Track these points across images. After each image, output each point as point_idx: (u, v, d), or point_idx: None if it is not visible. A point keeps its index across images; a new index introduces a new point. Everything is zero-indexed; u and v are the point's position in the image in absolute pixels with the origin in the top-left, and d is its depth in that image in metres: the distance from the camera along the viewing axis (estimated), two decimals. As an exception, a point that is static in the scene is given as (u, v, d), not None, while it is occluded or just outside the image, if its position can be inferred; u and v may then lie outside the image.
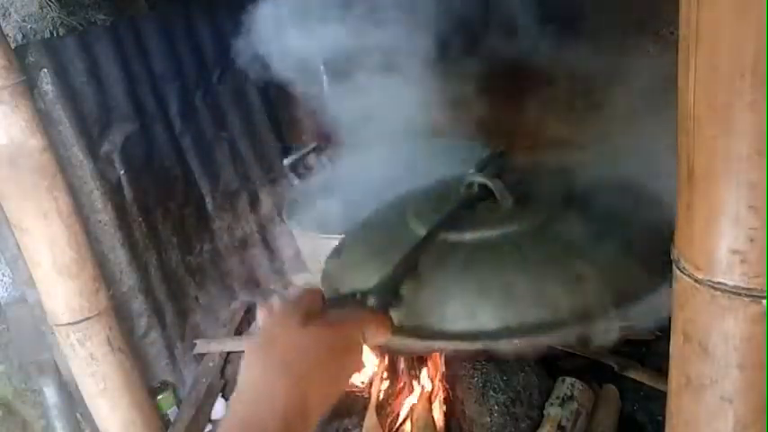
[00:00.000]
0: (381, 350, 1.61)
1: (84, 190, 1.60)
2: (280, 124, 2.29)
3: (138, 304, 1.76)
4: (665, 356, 0.69)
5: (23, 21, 1.48)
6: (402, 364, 1.62)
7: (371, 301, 0.64)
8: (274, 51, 1.40)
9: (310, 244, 1.37)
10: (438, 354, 1.55)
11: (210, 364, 1.93)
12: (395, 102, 1.43)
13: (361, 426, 1.54)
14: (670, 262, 0.62)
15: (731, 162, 0.52)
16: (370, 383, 1.65)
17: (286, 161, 1.53)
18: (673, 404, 0.69)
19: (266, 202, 2.31)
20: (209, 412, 1.81)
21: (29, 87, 1.27)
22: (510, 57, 1.59)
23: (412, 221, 0.94)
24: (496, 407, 1.27)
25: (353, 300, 0.65)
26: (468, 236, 0.86)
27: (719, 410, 0.62)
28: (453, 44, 1.74)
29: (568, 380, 1.30)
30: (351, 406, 1.66)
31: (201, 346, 1.98)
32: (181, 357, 1.93)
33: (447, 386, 1.46)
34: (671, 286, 0.64)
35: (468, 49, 1.73)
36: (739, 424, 0.61)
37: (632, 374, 1.52)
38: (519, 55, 1.59)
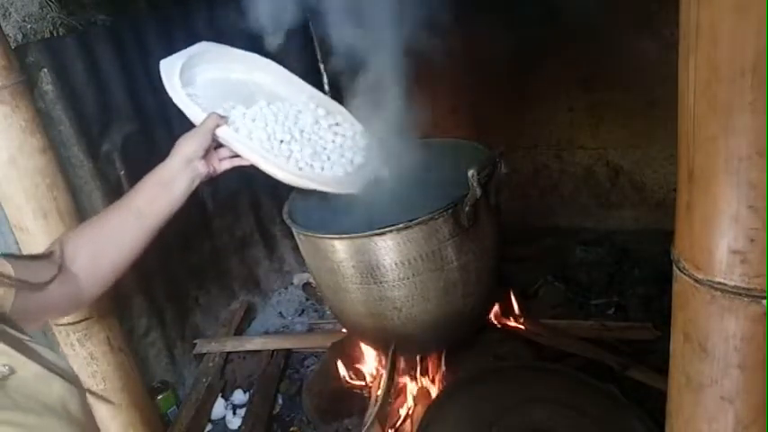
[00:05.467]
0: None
1: (85, 190, 1.60)
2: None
3: (138, 304, 1.76)
4: (665, 356, 0.69)
5: (23, 21, 1.48)
6: (402, 364, 1.62)
7: None
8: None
9: (310, 244, 1.37)
10: (438, 354, 1.55)
11: (210, 365, 1.94)
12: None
13: (362, 426, 1.54)
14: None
15: (731, 162, 0.52)
16: (371, 383, 1.65)
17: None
18: (673, 404, 0.69)
19: (266, 202, 2.31)
20: (209, 412, 1.81)
21: (29, 87, 1.27)
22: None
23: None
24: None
25: None
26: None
27: (719, 410, 0.62)
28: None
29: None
30: (351, 406, 1.66)
31: (201, 346, 1.98)
32: (181, 357, 1.93)
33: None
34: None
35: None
36: (739, 424, 0.61)
37: (632, 374, 1.52)
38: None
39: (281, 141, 1.20)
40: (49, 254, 0.90)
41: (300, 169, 1.19)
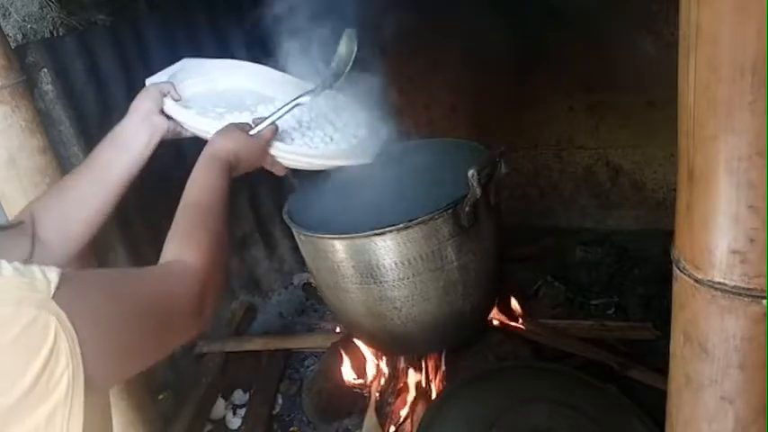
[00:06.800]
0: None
1: (84, 190, 1.60)
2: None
3: (138, 304, 1.76)
4: (665, 356, 0.69)
5: (23, 21, 1.48)
6: (402, 364, 1.62)
7: None
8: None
9: (310, 244, 1.37)
10: (438, 354, 1.55)
11: (210, 365, 1.93)
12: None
13: (362, 426, 1.54)
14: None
15: (731, 162, 0.52)
16: (370, 383, 1.65)
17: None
18: (673, 404, 0.70)
19: (266, 202, 2.31)
20: (210, 412, 1.81)
21: (29, 87, 1.27)
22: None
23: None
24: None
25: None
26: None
27: (719, 410, 0.62)
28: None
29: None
30: (351, 406, 1.66)
31: (201, 346, 1.98)
32: (181, 357, 1.93)
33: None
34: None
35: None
36: (739, 424, 0.61)
37: (632, 374, 1.52)
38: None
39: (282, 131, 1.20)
40: (18, 224, 0.91)
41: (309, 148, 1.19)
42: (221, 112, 1.21)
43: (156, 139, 1.08)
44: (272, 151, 1.13)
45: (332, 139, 1.23)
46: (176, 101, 1.13)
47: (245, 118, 1.18)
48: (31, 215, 0.93)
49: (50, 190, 1.01)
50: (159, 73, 1.25)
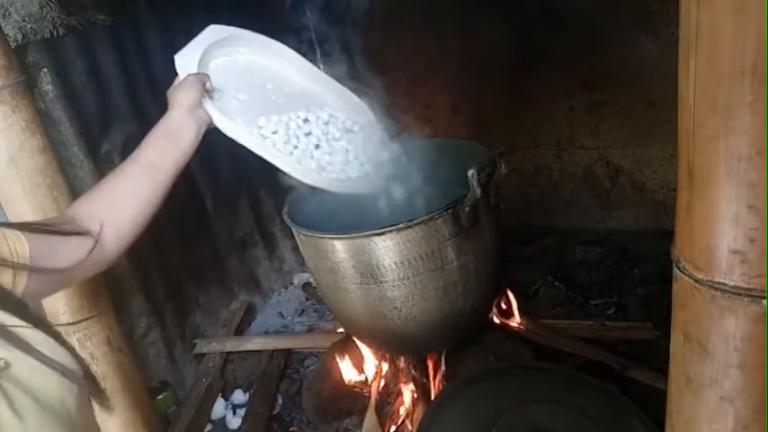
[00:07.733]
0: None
1: (84, 190, 1.59)
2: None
3: (138, 304, 1.76)
4: (665, 356, 0.69)
5: (23, 21, 1.48)
6: (402, 364, 1.62)
7: None
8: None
9: (310, 244, 1.37)
10: (438, 354, 1.55)
11: (210, 364, 1.94)
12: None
13: (362, 426, 1.54)
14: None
15: (731, 162, 0.52)
16: (370, 383, 1.65)
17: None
18: (673, 404, 0.69)
19: (266, 202, 2.31)
20: (209, 412, 1.81)
21: (29, 87, 1.27)
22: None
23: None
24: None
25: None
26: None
27: (719, 410, 0.62)
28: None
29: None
30: (351, 406, 1.66)
31: (201, 346, 1.98)
32: (181, 357, 1.93)
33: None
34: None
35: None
36: (739, 424, 0.61)
37: (632, 374, 1.52)
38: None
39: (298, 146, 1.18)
40: (76, 225, 0.89)
41: (322, 168, 1.17)
42: (243, 100, 1.17)
43: (202, 133, 1.07)
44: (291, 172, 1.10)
45: (347, 153, 1.19)
46: (210, 92, 1.11)
47: (270, 118, 1.15)
48: (88, 213, 0.92)
49: (98, 187, 0.99)
50: (188, 47, 1.20)
